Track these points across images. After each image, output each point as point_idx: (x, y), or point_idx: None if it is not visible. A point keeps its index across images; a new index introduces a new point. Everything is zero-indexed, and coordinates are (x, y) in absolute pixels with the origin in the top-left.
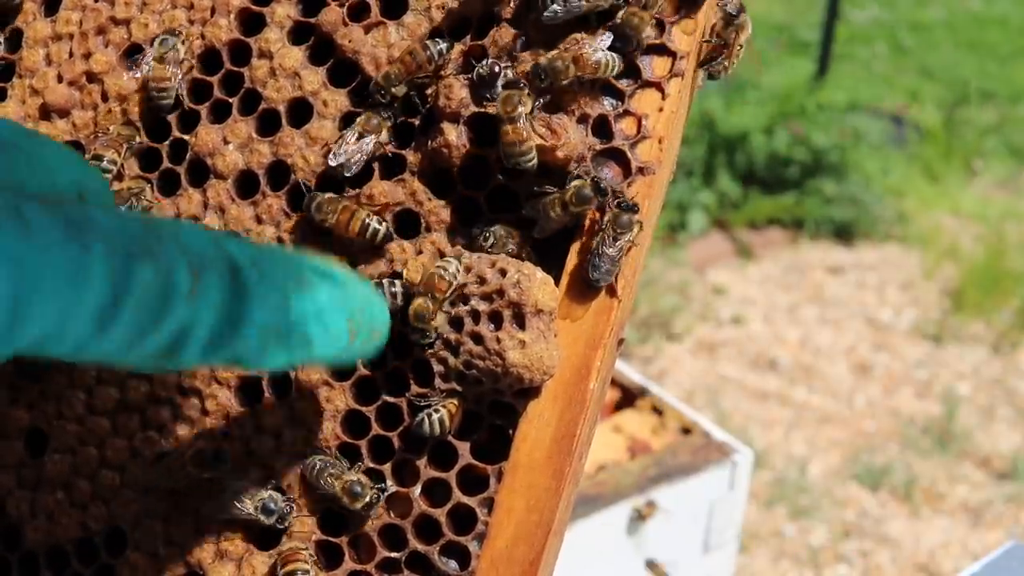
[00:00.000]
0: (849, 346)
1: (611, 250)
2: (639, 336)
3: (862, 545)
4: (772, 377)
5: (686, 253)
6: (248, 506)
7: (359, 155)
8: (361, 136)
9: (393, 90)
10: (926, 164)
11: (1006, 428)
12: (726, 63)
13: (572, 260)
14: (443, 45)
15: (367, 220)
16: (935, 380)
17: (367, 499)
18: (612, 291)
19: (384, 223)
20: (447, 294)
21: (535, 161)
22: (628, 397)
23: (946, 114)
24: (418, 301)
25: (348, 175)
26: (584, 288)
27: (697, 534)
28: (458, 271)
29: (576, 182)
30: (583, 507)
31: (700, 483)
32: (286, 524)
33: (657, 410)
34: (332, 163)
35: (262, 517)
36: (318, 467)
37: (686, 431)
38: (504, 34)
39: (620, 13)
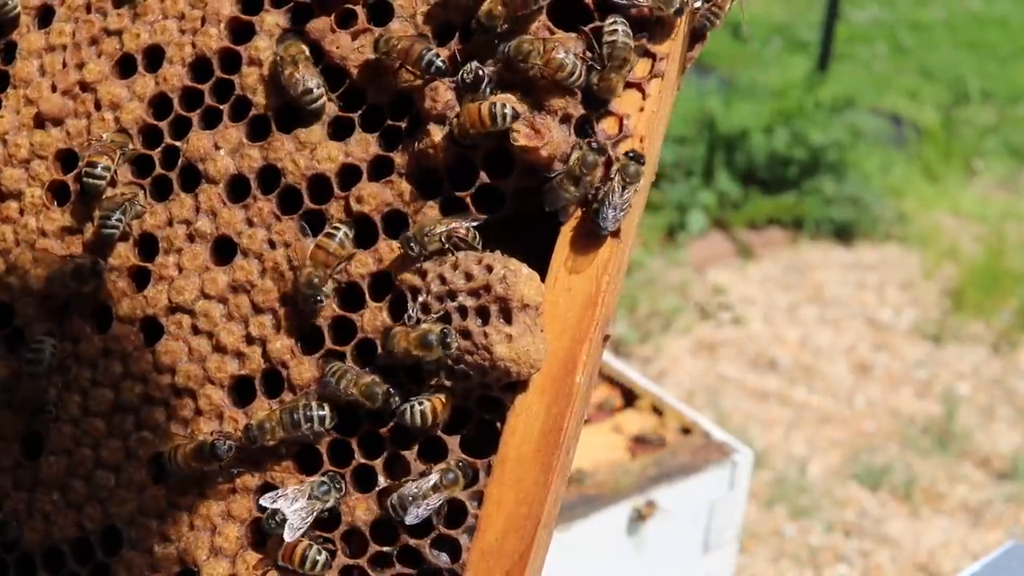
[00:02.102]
0: (849, 346)
1: (619, 199)
2: (639, 336)
3: (862, 545)
4: (772, 377)
5: (686, 253)
6: (302, 502)
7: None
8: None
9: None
10: (926, 164)
11: (1006, 428)
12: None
13: (557, 257)
14: None
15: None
16: (935, 380)
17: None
18: (616, 235)
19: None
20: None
21: (510, 109)
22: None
23: (945, 114)
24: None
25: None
26: (570, 283)
27: (697, 534)
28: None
29: (576, 153)
30: (583, 507)
31: (700, 483)
32: (343, 493)
33: (657, 410)
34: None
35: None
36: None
37: (686, 431)
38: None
39: (595, 79)
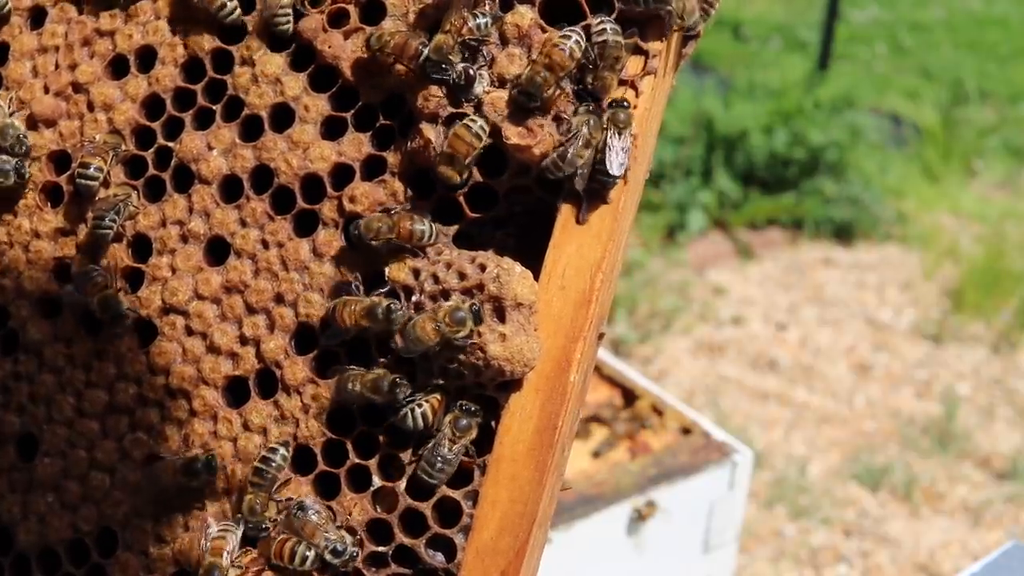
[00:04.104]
0: (849, 346)
1: (619, 143)
2: (639, 336)
3: (862, 545)
4: (772, 377)
5: (686, 253)
6: (320, 542)
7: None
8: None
9: (451, 57)
10: (925, 164)
11: (1006, 428)
12: None
13: (551, 255)
14: (483, 20)
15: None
16: (935, 380)
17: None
18: (625, 180)
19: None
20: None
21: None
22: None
23: (945, 114)
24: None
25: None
26: (564, 282)
27: (697, 534)
28: None
29: (577, 119)
30: (583, 507)
31: (700, 483)
32: (349, 568)
33: (657, 410)
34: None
35: (328, 557)
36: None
37: (686, 431)
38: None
39: (589, 78)
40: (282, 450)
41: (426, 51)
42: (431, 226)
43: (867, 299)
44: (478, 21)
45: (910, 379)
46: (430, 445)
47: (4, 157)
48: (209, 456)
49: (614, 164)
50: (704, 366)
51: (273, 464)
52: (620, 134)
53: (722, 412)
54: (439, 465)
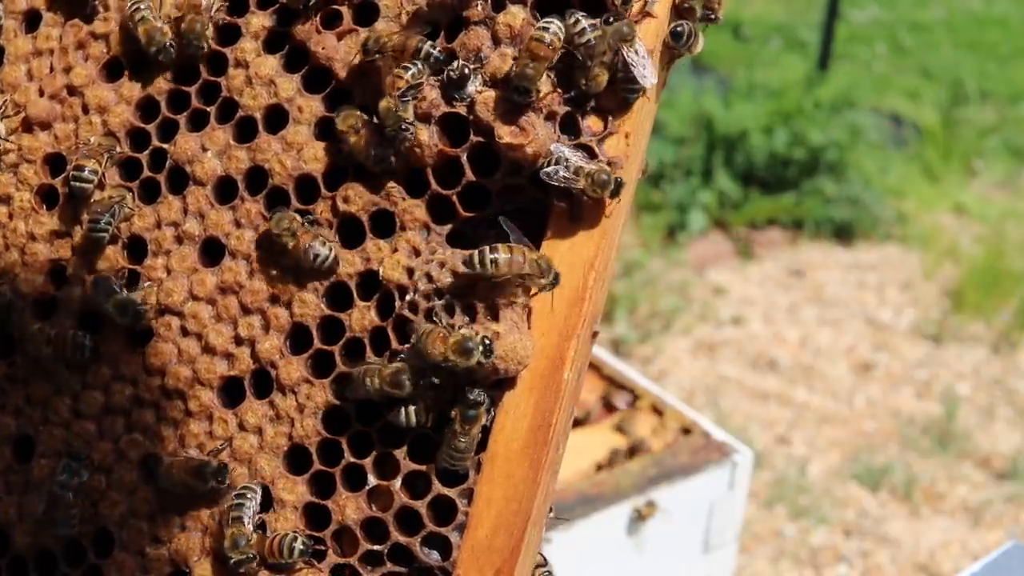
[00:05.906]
0: (849, 346)
1: (637, 56)
2: (639, 336)
3: (862, 545)
4: (772, 377)
5: (686, 253)
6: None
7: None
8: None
9: (400, 115)
10: (926, 164)
11: (1006, 428)
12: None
13: (544, 253)
14: (415, 69)
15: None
16: (935, 380)
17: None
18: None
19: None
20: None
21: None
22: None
23: (945, 114)
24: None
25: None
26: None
27: (697, 534)
28: None
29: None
30: (583, 507)
31: (700, 483)
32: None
33: (657, 410)
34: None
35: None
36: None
37: (686, 431)
38: (473, 37)
39: (583, 80)
40: (253, 486)
41: (425, 47)
42: (331, 247)
43: (867, 299)
44: (411, 72)
45: (910, 379)
46: (445, 441)
47: None
48: (221, 465)
49: (646, 78)
50: (704, 366)
51: (247, 501)
52: (633, 47)
53: (722, 412)
54: (457, 456)
